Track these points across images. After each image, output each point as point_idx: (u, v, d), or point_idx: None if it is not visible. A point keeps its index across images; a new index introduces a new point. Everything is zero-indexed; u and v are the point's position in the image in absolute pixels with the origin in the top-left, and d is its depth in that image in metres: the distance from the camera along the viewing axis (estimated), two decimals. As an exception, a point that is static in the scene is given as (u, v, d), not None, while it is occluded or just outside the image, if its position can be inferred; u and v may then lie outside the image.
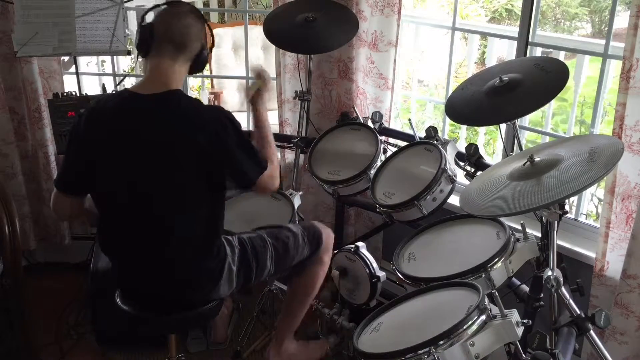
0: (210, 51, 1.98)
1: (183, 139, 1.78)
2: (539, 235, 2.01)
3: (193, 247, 1.86)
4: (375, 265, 2.34)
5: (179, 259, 1.86)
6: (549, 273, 1.60)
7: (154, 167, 1.81)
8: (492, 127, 3.91)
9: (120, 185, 1.84)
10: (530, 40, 2.54)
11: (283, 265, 2.13)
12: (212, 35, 2.02)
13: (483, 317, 1.53)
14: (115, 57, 3.52)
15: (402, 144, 2.60)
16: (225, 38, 4.44)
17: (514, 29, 3.04)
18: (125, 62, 5.23)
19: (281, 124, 3.11)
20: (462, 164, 2.31)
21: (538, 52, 2.69)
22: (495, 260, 1.86)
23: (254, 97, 2.16)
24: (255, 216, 2.53)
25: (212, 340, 2.74)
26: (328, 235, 2.29)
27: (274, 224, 2.26)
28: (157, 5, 1.94)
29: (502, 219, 2.02)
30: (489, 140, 4.61)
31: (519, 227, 1.98)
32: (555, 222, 1.64)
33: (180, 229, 1.84)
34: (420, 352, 1.49)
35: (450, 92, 2.50)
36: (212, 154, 1.80)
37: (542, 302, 2.09)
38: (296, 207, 2.55)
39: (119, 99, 1.90)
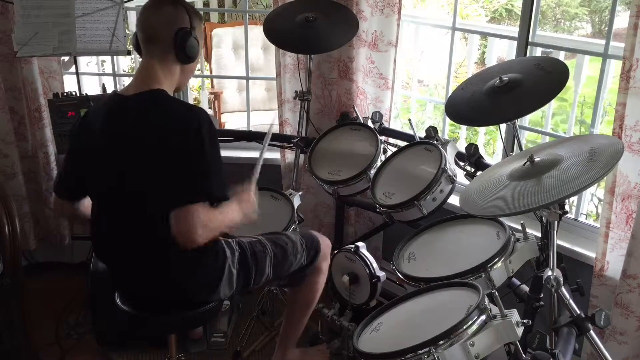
0: (191, 32, 1.81)
1: (161, 138, 1.73)
2: (539, 235, 2.01)
3: (191, 250, 1.85)
4: (375, 265, 2.34)
5: (177, 261, 1.85)
6: (549, 273, 1.60)
7: (142, 169, 1.78)
8: (492, 127, 3.91)
9: (112, 188, 1.82)
10: (530, 40, 2.54)
11: (281, 271, 2.12)
12: (189, 15, 1.82)
13: (483, 317, 1.53)
14: (115, 57, 3.52)
15: (402, 144, 2.60)
16: (225, 38, 4.44)
17: (514, 29, 3.04)
18: (125, 62, 5.23)
19: (281, 124, 3.11)
20: (462, 164, 2.31)
21: (538, 52, 2.69)
22: (495, 260, 1.86)
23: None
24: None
25: (189, 337, 2.73)
26: (326, 244, 2.27)
27: (272, 230, 2.24)
28: None
29: (502, 219, 2.02)
30: (489, 140, 4.61)
31: (519, 227, 1.98)
32: (555, 222, 1.64)
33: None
34: (420, 352, 1.49)
35: (450, 92, 2.50)
36: (188, 153, 1.72)
37: (542, 302, 2.09)
38: (296, 207, 2.55)
39: (107, 102, 1.88)
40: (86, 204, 1.98)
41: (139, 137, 1.76)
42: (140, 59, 1.88)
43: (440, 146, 2.31)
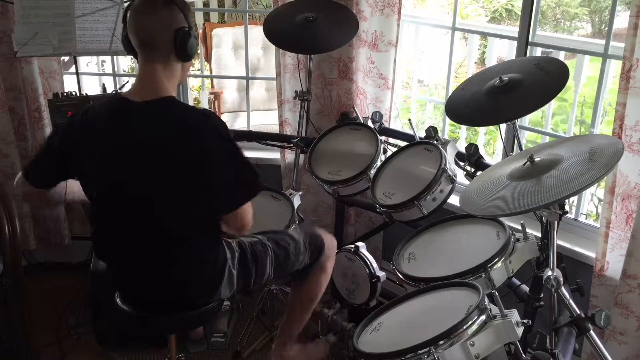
0: (190, 31, 1.77)
1: (171, 147, 1.74)
2: (539, 235, 2.01)
3: (192, 253, 1.85)
4: (375, 265, 2.34)
5: (177, 263, 1.85)
6: (549, 273, 1.60)
7: (148, 174, 1.77)
8: (492, 127, 3.91)
9: (116, 191, 1.82)
10: (530, 40, 2.54)
11: (283, 271, 2.11)
12: (184, 13, 1.78)
13: (483, 317, 1.53)
14: (115, 57, 3.52)
15: (402, 144, 2.60)
16: (225, 38, 4.44)
17: (514, 29, 3.04)
18: (125, 62, 5.23)
19: (281, 124, 3.11)
20: (462, 164, 2.31)
21: (538, 52, 2.69)
22: (495, 260, 1.86)
23: None
24: (255, 216, 2.53)
25: (189, 337, 2.73)
26: (330, 243, 2.26)
27: (275, 229, 2.24)
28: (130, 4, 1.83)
29: (502, 219, 2.02)
30: (489, 140, 4.61)
31: (519, 227, 1.98)
32: (555, 222, 1.64)
33: (177, 235, 1.82)
34: (420, 352, 1.49)
35: (450, 92, 2.50)
36: (200, 163, 1.74)
37: (542, 302, 2.09)
38: (296, 207, 2.54)
39: (112, 105, 1.85)
40: (58, 189, 1.97)
41: (155, 145, 1.75)
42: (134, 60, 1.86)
43: (440, 146, 2.31)
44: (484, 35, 4.45)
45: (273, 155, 3.22)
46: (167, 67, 1.80)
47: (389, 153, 2.52)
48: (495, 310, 1.56)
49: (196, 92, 5.42)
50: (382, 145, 2.53)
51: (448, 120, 3.02)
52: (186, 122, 1.76)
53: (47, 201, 2.02)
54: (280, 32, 2.69)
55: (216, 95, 4.38)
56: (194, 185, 1.77)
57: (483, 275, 1.84)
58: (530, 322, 1.59)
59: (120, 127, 1.80)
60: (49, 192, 1.96)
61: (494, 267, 1.85)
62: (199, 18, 5.03)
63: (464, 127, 3.76)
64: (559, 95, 1.95)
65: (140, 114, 1.78)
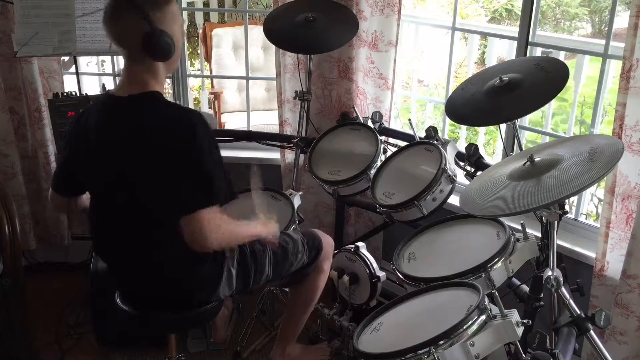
0: (159, 34, 1.73)
1: (149, 141, 1.74)
2: (539, 235, 2.01)
3: (188, 250, 1.84)
4: (375, 265, 2.34)
5: (176, 261, 1.85)
6: (549, 273, 1.60)
7: (137, 171, 1.78)
8: (492, 127, 3.91)
9: (109, 186, 1.83)
10: (530, 40, 2.54)
11: (281, 271, 2.11)
12: (148, 17, 1.71)
13: (483, 317, 1.53)
14: (115, 57, 3.52)
15: (402, 144, 2.60)
16: (225, 38, 4.44)
17: (514, 29, 3.04)
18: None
19: (281, 124, 3.11)
20: (462, 164, 2.31)
21: (538, 52, 2.69)
22: (495, 260, 1.86)
23: None
24: (255, 216, 2.53)
25: (213, 340, 2.74)
26: (328, 243, 2.27)
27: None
28: None
29: (502, 219, 2.02)
30: (489, 140, 4.61)
31: (519, 227, 1.98)
32: (555, 222, 1.64)
33: (176, 232, 1.82)
34: (420, 352, 1.49)
35: (450, 92, 2.50)
36: (186, 158, 1.72)
37: (542, 302, 2.09)
38: (296, 207, 2.54)
39: (101, 104, 1.88)
40: (83, 198, 2.02)
41: (134, 140, 1.76)
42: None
43: (440, 146, 2.31)
44: (484, 35, 4.45)
45: (273, 155, 3.22)
46: (148, 68, 1.79)
47: (389, 153, 2.52)
48: (495, 310, 1.56)
49: (196, 92, 5.42)
50: (382, 145, 2.52)
51: (448, 120, 3.02)
52: (164, 116, 1.77)
53: (80, 207, 2.05)
54: (280, 32, 2.69)
55: (216, 95, 4.37)
56: (171, 180, 1.75)
57: (483, 275, 1.84)
58: (530, 322, 1.59)
59: (108, 125, 1.82)
60: (79, 199, 2.01)
61: (494, 267, 1.85)
62: (199, 18, 5.03)
63: (464, 127, 3.76)
64: (559, 95, 1.95)
65: (125, 107, 1.80)
